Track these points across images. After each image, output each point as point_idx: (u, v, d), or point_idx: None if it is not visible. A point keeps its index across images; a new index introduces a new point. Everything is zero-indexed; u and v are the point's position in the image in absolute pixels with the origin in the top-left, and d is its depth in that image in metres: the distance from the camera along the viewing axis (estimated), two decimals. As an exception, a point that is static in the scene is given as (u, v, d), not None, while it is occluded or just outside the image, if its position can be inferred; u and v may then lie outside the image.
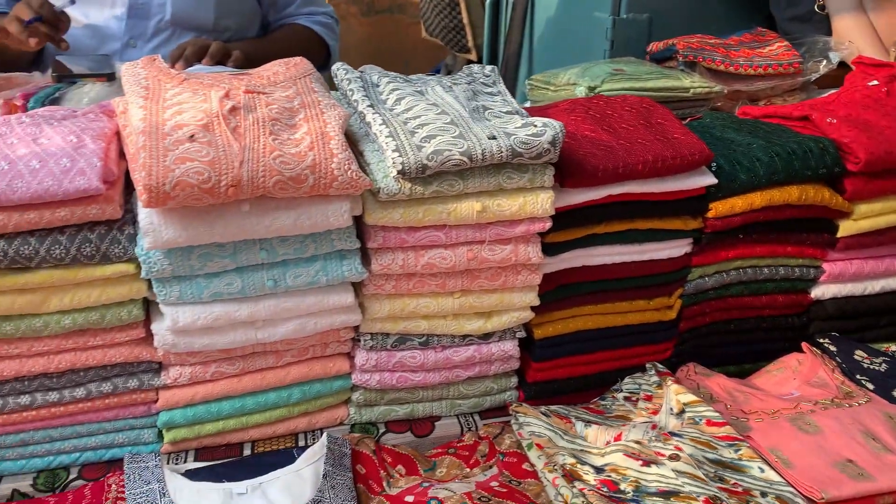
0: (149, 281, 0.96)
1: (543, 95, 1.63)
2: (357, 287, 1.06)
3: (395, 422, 1.16)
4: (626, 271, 1.16)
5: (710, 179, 1.14)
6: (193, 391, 1.04)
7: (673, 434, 1.01)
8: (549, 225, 1.05)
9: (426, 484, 1.00)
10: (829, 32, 1.85)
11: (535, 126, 1.00)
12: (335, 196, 0.96)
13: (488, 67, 1.22)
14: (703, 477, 0.94)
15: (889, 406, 1.11)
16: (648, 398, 1.13)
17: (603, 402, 1.16)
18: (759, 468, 0.97)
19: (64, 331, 0.96)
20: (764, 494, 0.92)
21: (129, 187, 0.98)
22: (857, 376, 1.18)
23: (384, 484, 1.01)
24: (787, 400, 1.13)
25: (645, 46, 1.83)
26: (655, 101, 1.27)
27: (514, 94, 1.15)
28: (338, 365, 1.11)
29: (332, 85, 1.18)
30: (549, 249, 1.09)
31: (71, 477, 1.04)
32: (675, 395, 1.08)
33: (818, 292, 1.28)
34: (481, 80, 1.18)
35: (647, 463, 0.96)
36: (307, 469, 0.99)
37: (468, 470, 1.05)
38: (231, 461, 1.05)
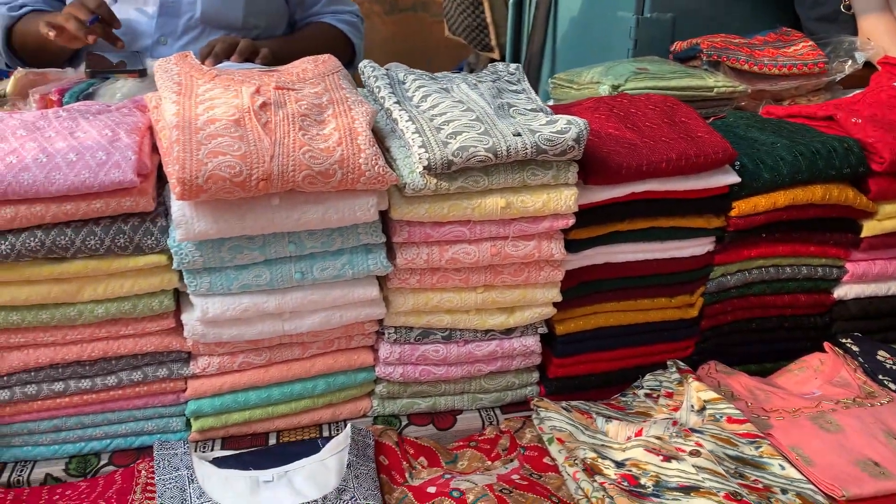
0: (180, 272, 0.98)
1: (566, 94, 1.64)
2: (382, 281, 1.08)
3: (417, 414, 1.18)
4: (648, 269, 1.17)
5: (734, 178, 1.14)
6: (221, 381, 1.06)
7: (693, 430, 1.02)
8: (572, 221, 1.06)
9: (448, 475, 1.01)
10: (855, 32, 1.84)
11: (560, 123, 1.01)
12: (362, 191, 0.98)
13: (513, 65, 1.23)
14: (723, 473, 0.94)
15: (912, 406, 1.11)
16: (669, 395, 1.14)
17: (624, 399, 1.17)
18: (780, 465, 0.97)
19: (97, 320, 0.98)
20: (784, 491, 0.93)
21: (161, 180, 1.00)
22: (880, 376, 1.18)
23: (406, 475, 1.02)
24: (809, 399, 1.13)
25: (669, 46, 1.84)
26: (679, 100, 1.27)
27: (536, 93, 1.16)
28: (362, 357, 1.13)
29: (358, 82, 1.20)
30: (572, 246, 1.10)
31: (102, 463, 1.06)
32: (695, 392, 1.09)
33: (841, 292, 1.28)
34: (506, 77, 1.19)
35: (667, 458, 0.97)
36: (332, 459, 1.00)
37: (489, 463, 1.06)
38: (257, 450, 1.07)
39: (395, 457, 1.05)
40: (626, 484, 0.94)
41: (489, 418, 1.18)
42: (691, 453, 0.97)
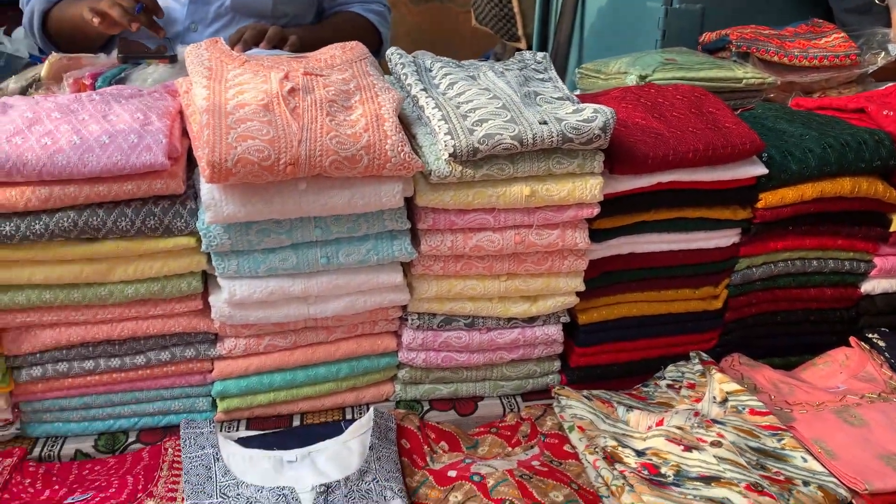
0: (208, 255, 1.00)
1: (594, 84, 1.64)
2: (406, 267, 1.09)
3: (439, 400, 1.19)
4: (672, 260, 1.17)
5: (761, 169, 1.14)
6: (247, 363, 1.07)
7: (715, 421, 1.02)
8: (597, 211, 1.06)
9: (469, 460, 1.02)
10: (888, 24, 1.81)
11: (587, 112, 1.01)
12: (388, 177, 0.98)
13: (540, 54, 1.23)
14: (744, 464, 0.94)
15: (938, 402, 1.10)
16: (691, 386, 1.13)
17: (645, 389, 1.17)
18: (802, 458, 0.97)
19: (127, 300, 1.00)
20: (806, 483, 0.93)
21: (190, 164, 1.02)
22: (907, 372, 1.17)
23: (428, 458, 1.03)
24: (833, 393, 1.12)
25: (697, 37, 1.82)
26: (707, 91, 1.26)
27: (563, 83, 1.16)
28: (385, 342, 1.14)
29: (385, 71, 1.21)
30: (597, 235, 1.10)
31: (129, 440, 1.09)
32: (718, 383, 1.08)
33: (868, 287, 1.27)
34: (533, 66, 1.19)
35: (688, 448, 0.97)
36: (354, 441, 1.02)
37: (510, 449, 1.07)
38: (281, 431, 1.09)
39: (416, 441, 1.06)
40: (646, 472, 0.95)
41: (510, 405, 1.19)
42: (713, 444, 0.97)
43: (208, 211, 0.93)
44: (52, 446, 1.06)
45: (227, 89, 0.98)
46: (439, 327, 1.13)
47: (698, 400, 1.11)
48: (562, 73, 2.52)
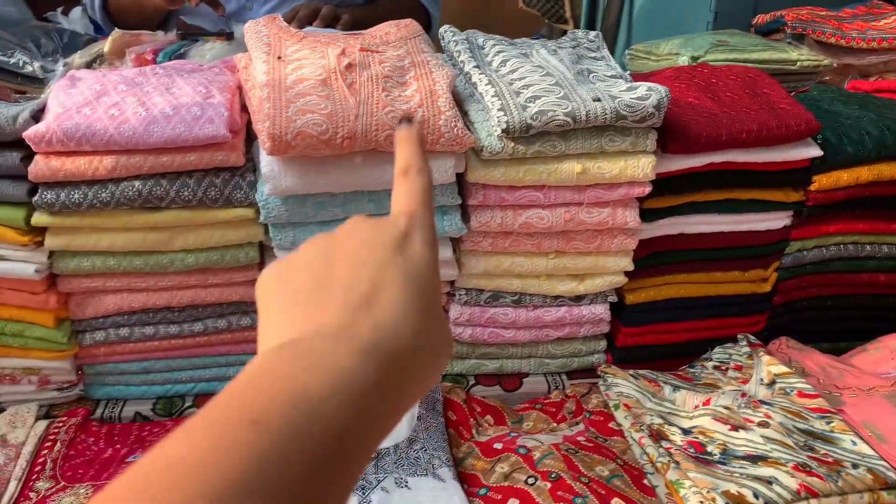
0: (265, 226, 1.03)
1: (644, 66, 1.63)
2: (455, 243, 1.10)
3: (484, 375, 1.20)
4: (722, 241, 1.16)
5: (816, 151, 1.12)
6: (300, 332, 1.10)
7: (763, 402, 1.02)
8: (648, 190, 1.06)
9: (514, 434, 1.04)
10: (951, 6, 1.76)
11: (640, 90, 1.01)
12: (440, 152, 1.00)
13: (592, 33, 1.23)
14: (792, 445, 0.94)
15: None
16: (738, 368, 1.13)
17: (692, 370, 1.17)
18: (852, 441, 0.96)
19: (187, 268, 1.03)
20: (855, 466, 0.92)
21: (249, 138, 1.04)
22: (961, 360, 1.15)
23: (473, 431, 1.05)
24: (885, 378, 1.11)
25: (750, 19, 1.79)
26: (761, 72, 1.25)
27: (615, 63, 1.16)
28: (433, 317, 1.15)
29: (437, 49, 1.22)
30: (647, 215, 1.10)
31: (186, 405, 1.12)
32: (766, 365, 1.08)
33: (924, 273, 1.25)
34: (585, 44, 1.19)
35: (735, 427, 0.97)
36: (403, 411, 1.04)
37: (555, 425, 1.08)
38: (331, 399, 1.11)
39: (462, 413, 1.08)
40: (692, 451, 0.95)
41: (555, 383, 1.20)
42: (760, 424, 0.97)
43: (268, 183, 0.96)
44: (114, 408, 1.11)
45: (286, 64, 1.00)
46: (486, 303, 1.14)
47: (745, 382, 1.11)
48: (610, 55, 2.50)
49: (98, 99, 0.98)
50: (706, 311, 1.21)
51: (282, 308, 0.43)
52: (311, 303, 0.42)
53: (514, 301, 1.15)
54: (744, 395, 1.06)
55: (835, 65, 1.53)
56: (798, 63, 1.49)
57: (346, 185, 0.98)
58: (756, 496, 0.86)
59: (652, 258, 1.15)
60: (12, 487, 0.93)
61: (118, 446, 1.01)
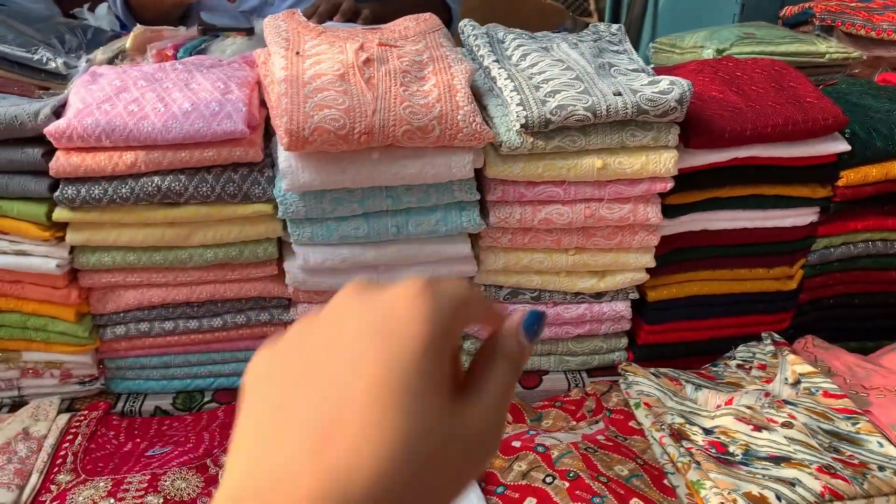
0: (283, 222, 1.03)
1: (668, 59, 1.60)
2: (474, 239, 1.09)
3: (503, 372, 1.19)
4: (747, 237, 1.14)
5: (843, 146, 1.10)
6: (318, 328, 1.10)
7: (787, 402, 1.00)
8: (670, 185, 1.04)
9: (532, 432, 1.03)
10: None
11: (663, 83, 0.99)
12: (459, 147, 0.99)
13: (614, 26, 1.21)
14: (816, 446, 0.92)
15: None
16: (762, 367, 1.11)
17: (714, 369, 1.15)
18: (878, 443, 0.94)
19: (206, 264, 1.04)
20: (882, 469, 0.90)
21: (267, 134, 1.04)
22: None
23: (492, 428, 1.04)
24: (913, 378, 1.08)
25: (777, 11, 1.76)
26: (788, 65, 1.23)
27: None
28: (452, 313, 1.15)
29: (457, 44, 1.21)
30: (669, 211, 1.08)
31: (206, 399, 1.13)
32: (791, 364, 1.06)
33: (954, 271, 1.21)
34: (607, 37, 1.18)
35: (758, 428, 0.96)
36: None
37: (574, 423, 1.07)
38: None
39: (481, 411, 1.07)
40: (713, 451, 0.94)
41: (575, 381, 1.19)
42: (783, 424, 0.95)
43: (285, 178, 0.96)
44: (134, 402, 1.12)
45: (304, 59, 0.99)
46: (505, 300, 1.13)
47: (769, 381, 1.09)
48: (634, 48, 2.47)
49: (118, 95, 0.98)
50: (730, 309, 1.19)
51: (248, 426, 0.37)
52: (268, 434, 0.35)
53: (533, 297, 1.14)
54: (767, 394, 1.04)
55: (864, 57, 1.49)
56: (827, 55, 1.46)
57: (364, 180, 0.98)
58: (779, 498, 0.85)
59: (674, 254, 1.14)
60: (34, 480, 0.94)
61: (138, 440, 1.02)
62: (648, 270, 1.13)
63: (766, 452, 0.92)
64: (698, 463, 0.92)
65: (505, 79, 1.04)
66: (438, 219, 1.04)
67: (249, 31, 1.35)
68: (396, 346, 0.36)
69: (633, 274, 1.13)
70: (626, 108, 0.97)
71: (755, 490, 0.86)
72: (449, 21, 2.02)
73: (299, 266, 1.03)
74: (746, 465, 0.91)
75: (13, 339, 1.06)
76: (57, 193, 0.97)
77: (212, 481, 0.93)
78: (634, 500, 0.89)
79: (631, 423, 1.04)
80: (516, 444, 1.00)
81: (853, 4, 1.62)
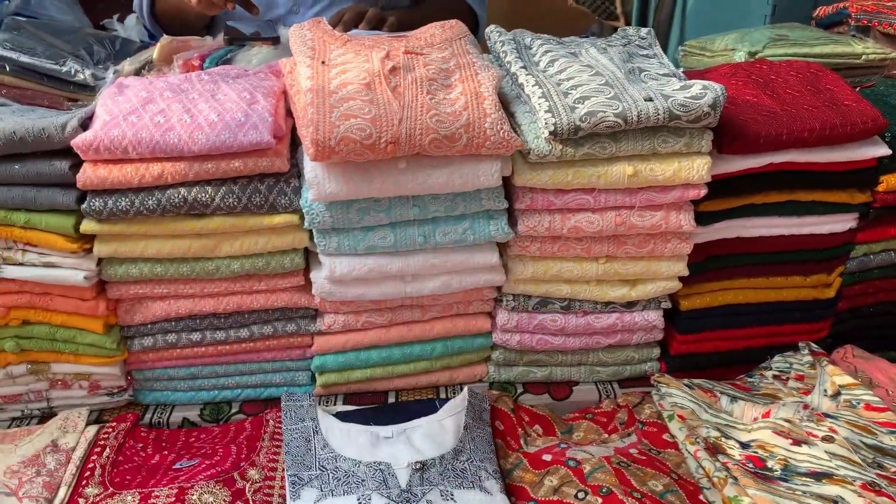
0: (310, 232, 1.02)
1: (698, 62, 1.57)
2: (502, 248, 1.08)
3: (533, 384, 1.17)
4: (783, 245, 1.11)
5: (884, 150, 1.07)
6: (345, 338, 1.09)
7: (827, 415, 0.97)
8: (703, 192, 1.02)
9: (563, 445, 1.01)
10: None
11: (695, 88, 0.97)
12: (486, 155, 0.97)
13: (644, 30, 1.19)
14: (859, 461, 0.89)
15: None
16: (800, 378, 1.08)
17: (750, 380, 1.12)
18: (925, 458, 0.91)
19: (232, 275, 1.03)
20: (929, 485, 0.87)
21: (294, 143, 1.03)
22: None
23: (521, 441, 1.03)
24: (960, 390, 1.04)
25: (810, 12, 1.72)
26: (824, 67, 1.19)
27: (667, 60, 1.12)
28: (479, 323, 1.13)
29: (484, 50, 1.19)
30: (703, 218, 1.06)
31: (233, 411, 1.12)
32: (830, 376, 1.03)
33: None
34: (637, 42, 1.16)
35: (797, 442, 0.93)
36: (449, 420, 1.02)
37: (606, 435, 1.05)
38: (377, 406, 1.10)
39: (510, 423, 1.05)
40: (751, 466, 0.91)
41: (606, 392, 1.17)
42: (824, 439, 0.92)
43: (312, 188, 0.95)
44: (162, 413, 1.11)
45: (330, 68, 0.99)
46: (534, 309, 1.12)
47: (807, 392, 1.05)
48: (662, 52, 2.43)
49: (144, 106, 0.98)
50: (765, 318, 1.16)
51: None
52: None
53: (563, 307, 1.12)
54: (806, 406, 1.01)
55: (903, 58, 1.45)
56: (863, 56, 1.42)
57: (390, 190, 0.97)
58: (821, 517, 0.82)
59: (708, 262, 1.11)
60: (62, 493, 0.94)
61: (165, 452, 1.01)
62: (681, 279, 1.11)
63: (806, 468, 0.89)
64: (735, 478, 0.89)
65: (533, 85, 1.02)
66: (466, 228, 1.03)
67: (275, 40, 1.35)
68: None
69: (665, 283, 1.10)
70: (658, 114, 0.95)
71: (796, 508, 0.83)
72: (475, 27, 2.01)
73: (326, 276, 1.02)
74: (786, 480, 0.88)
75: (42, 350, 1.07)
76: (84, 205, 0.97)
77: (239, 495, 0.92)
78: (670, 516, 0.87)
79: (664, 436, 1.01)
80: (547, 457, 0.98)
81: (890, 4, 1.57)
